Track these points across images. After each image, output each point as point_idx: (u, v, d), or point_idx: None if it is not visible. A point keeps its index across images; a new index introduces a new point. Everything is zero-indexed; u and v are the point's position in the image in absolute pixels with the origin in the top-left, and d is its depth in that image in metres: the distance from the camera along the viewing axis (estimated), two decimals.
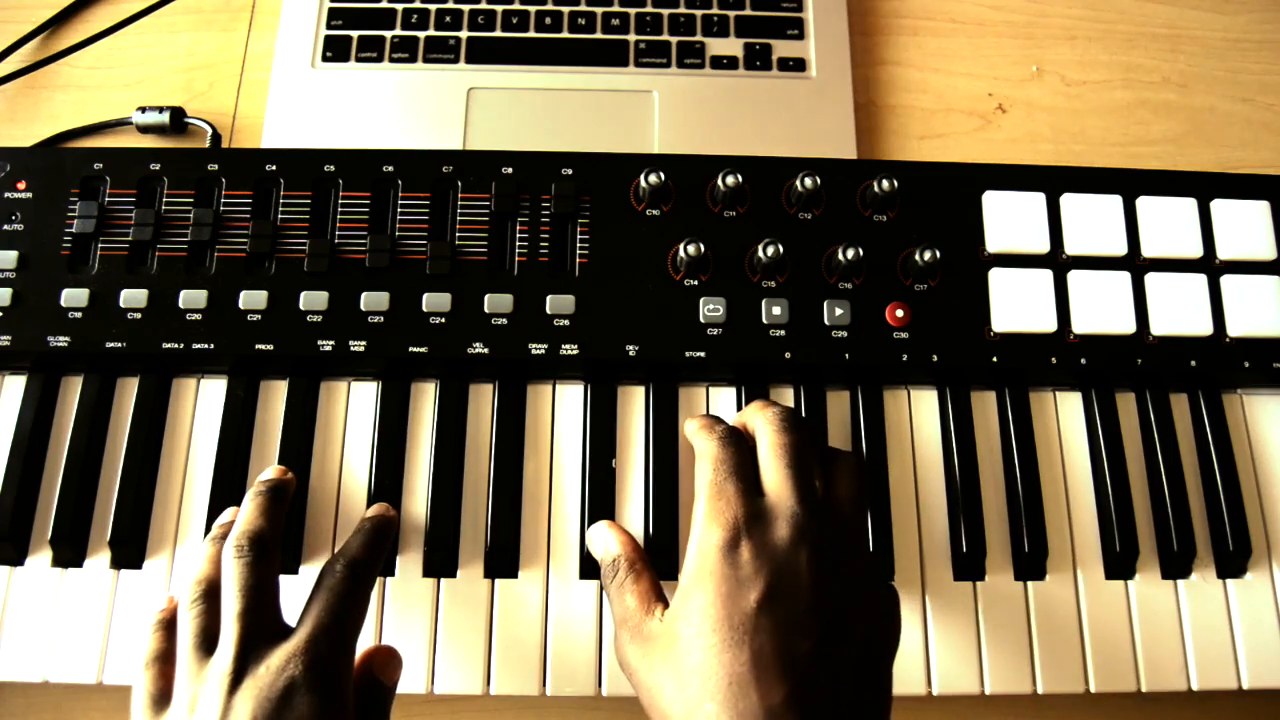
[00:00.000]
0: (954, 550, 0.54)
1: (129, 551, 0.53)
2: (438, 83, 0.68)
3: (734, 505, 0.45)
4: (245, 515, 0.48)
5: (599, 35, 0.70)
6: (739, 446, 0.48)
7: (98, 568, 0.53)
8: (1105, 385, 0.58)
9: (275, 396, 0.56)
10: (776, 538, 0.44)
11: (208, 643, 0.44)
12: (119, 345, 0.54)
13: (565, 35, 0.70)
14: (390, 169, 0.58)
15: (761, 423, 0.49)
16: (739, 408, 0.57)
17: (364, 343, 0.55)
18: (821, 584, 0.44)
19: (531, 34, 0.70)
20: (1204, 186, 0.60)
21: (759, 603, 0.43)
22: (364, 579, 0.47)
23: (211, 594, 0.46)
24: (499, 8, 0.70)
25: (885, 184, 0.57)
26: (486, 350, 0.55)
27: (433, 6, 0.70)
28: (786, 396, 0.57)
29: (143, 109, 0.67)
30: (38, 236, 0.56)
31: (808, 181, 0.56)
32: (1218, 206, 0.59)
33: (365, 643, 0.51)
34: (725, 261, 0.57)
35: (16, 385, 0.56)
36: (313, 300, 0.55)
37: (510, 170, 0.58)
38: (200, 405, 0.56)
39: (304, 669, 0.41)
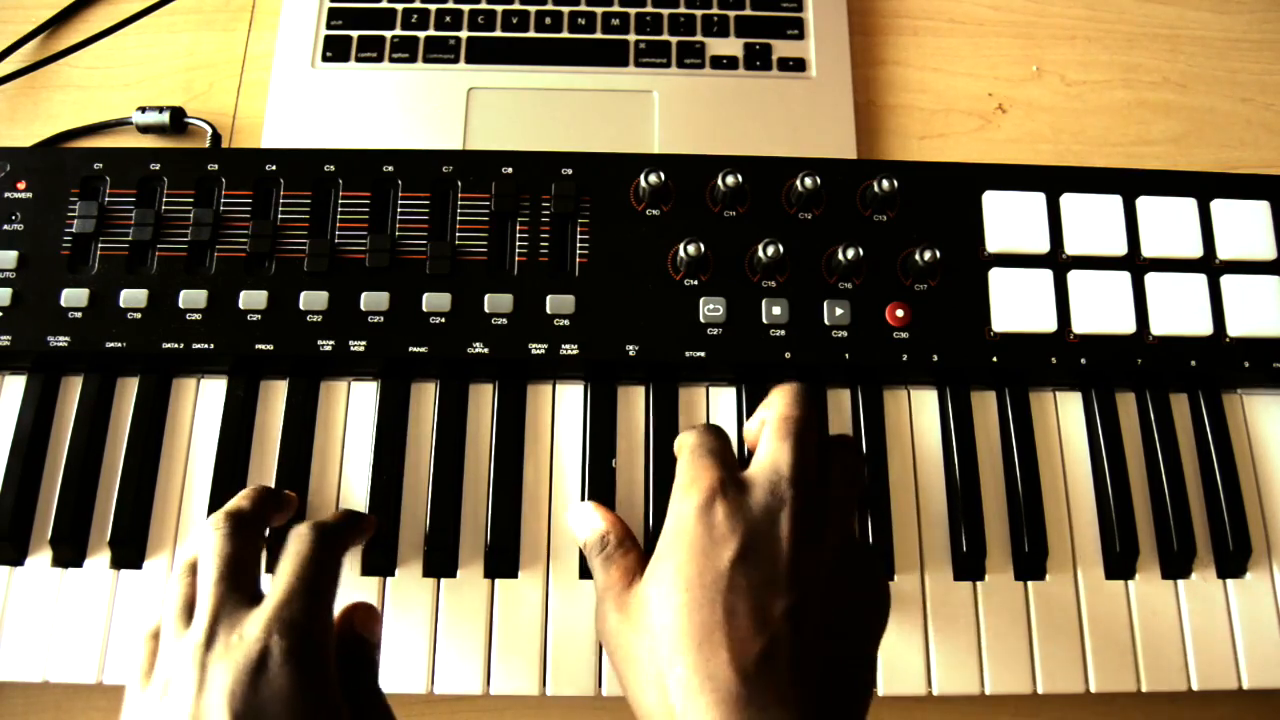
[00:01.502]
0: (954, 550, 0.54)
1: (129, 551, 0.53)
2: (438, 83, 0.68)
3: (711, 471, 0.46)
4: (233, 499, 0.48)
5: (599, 35, 0.70)
6: (716, 434, 0.49)
7: (98, 568, 0.53)
8: (1105, 385, 0.58)
9: (275, 396, 0.56)
10: (755, 501, 0.44)
11: (189, 612, 0.43)
12: (119, 345, 0.54)
13: (565, 35, 0.70)
14: (390, 169, 0.58)
15: (776, 397, 0.49)
16: (739, 408, 0.57)
17: (364, 343, 0.55)
18: (799, 549, 0.43)
19: (531, 34, 0.70)
20: (1204, 186, 0.60)
21: (732, 561, 0.42)
22: (332, 544, 0.46)
23: (195, 567, 0.45)
24: (499, 8, 0.70)
25: (885, 184, 0.57)
26: (486, 350, 0.55)
27: (433, 6, 0.70)
28: None
29: (143, 109, 0.67)
30: (38, 236, 0.56)
31: (808, 181, 0.57)
32: (1218, 206, 0.59)
33: None
34: (725, 261, 0.57)
35: (16, 385, 0.56)
36: (313, 300, 0.55)
37: (510, 170, 0.58)
38: (200, 405, 0.56)
39: (279, 637, 0.40)
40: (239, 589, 0.43)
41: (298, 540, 0.45)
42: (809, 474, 0.46)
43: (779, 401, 0.49)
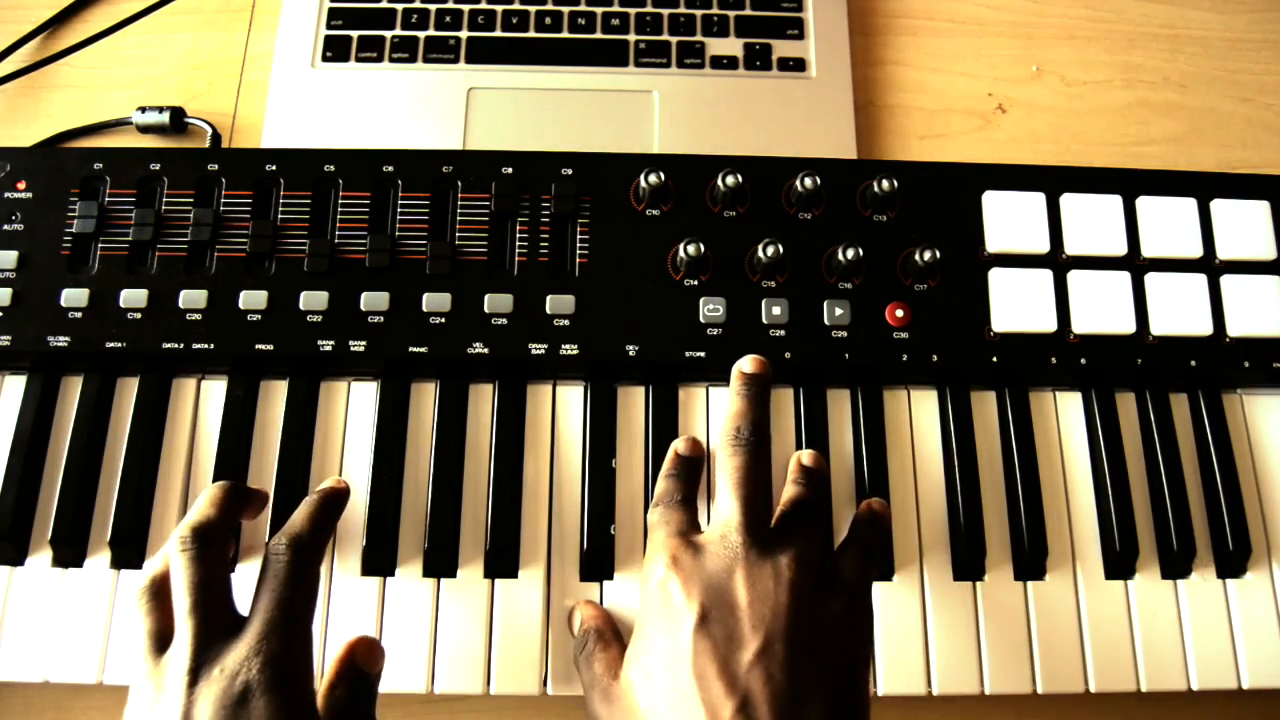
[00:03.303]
0: (954, 550, 0.54)
1: (129, 551, 0.53)
2: (438, 83, 0.68)
3: (664, 546, 0.47)
4: (196, 506, 0.47)
5: (599, 35, 0.70)
6: (679, 499, 0.50)
7: (98, 568, 0.53)
8: (1105, 385, 0.58)
9: (275, 396, 0.56)
10: (708, 562, 0.45)
11: (159, 643, 0.43)
12: (119, 345, 0.54)
13: (565, 35, 0.70)
14: (390, 169, 0.58)
15: (719, 441, 0.50)
16: None
17: (364, 343, 0.55)
18: (755, 593, 0.44)
19: (531, 34, 0.70)
20: (1204, 186, 0.60)
21: (694, 627, 0.43)
22: (310, 557, 0.46)
23: (158, 591, 0.45)
24: (499, 8, 0.70)
25: (885, 184, 0.57)
26: (486, 350, 0.55)
27: (433, 6, 0.70)
28: (786, 396, 0.57)
29: (143, 109, 0.67)
30: (38, 236, 0.56)
31: (808, 181, 0.56)
32: (1218, 206, 0.59)
33: None
34: (725, 261, 0.57)
35: (16, 385, 0.56)
36: (313, 300, 0.55)
37: (510, 170, 0.58)
38: (200, 405, 0.56)
39: (258, 670, 0.41)
40: (215, 615, 0.43)
41: (275, 562, 0.45)
42: (759, 520, 0.47)
43: (720, 451, 0.50)
